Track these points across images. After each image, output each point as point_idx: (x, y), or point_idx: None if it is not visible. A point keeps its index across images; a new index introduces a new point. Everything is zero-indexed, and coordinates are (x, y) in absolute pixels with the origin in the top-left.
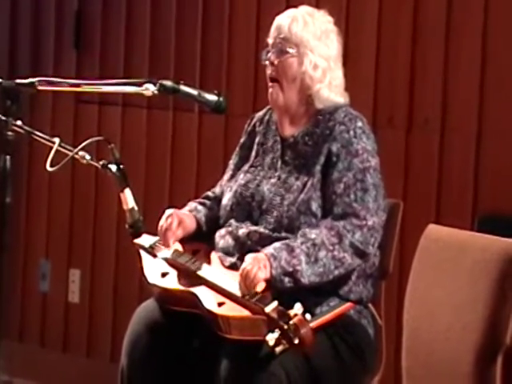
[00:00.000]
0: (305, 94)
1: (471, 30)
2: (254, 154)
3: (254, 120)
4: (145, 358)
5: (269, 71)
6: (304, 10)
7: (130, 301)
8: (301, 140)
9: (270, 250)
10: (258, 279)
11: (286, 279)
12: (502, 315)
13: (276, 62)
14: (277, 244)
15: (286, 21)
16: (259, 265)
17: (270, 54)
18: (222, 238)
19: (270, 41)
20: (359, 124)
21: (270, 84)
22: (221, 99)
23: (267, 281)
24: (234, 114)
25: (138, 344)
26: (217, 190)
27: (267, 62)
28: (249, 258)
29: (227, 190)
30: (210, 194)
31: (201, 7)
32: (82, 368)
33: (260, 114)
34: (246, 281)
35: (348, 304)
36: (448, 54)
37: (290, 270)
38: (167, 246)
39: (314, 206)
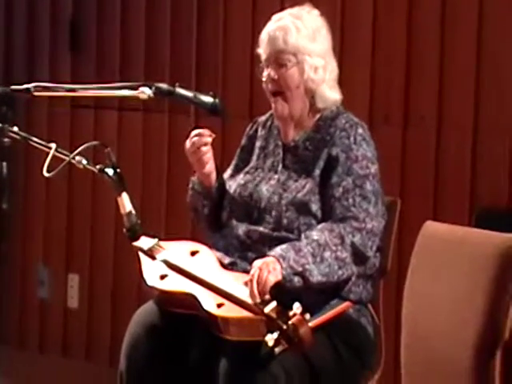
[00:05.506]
0: (308, 96)
1: (466, 27)
2: (254, 157)
3: (256, 125)
4: (144, 361)
5: (270, 86)
6: (289, 15)
7: (128, 305)
8: (302, 145)
9: (277, 251)
10: (269, 282)
11: (296, 279)
12: (500, 310)
13: (276, 77)
14: (283, 245)
15: (278, 33)
16: (268, 268)
17: (269, 70)
18: (222, 236)
19: (263, 55)
20: (360, 131)
21: (272, 99)
22: (216, 101)
23: (277, 283)
24: (230, 117)
25: (137, 347)
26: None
27: (265, 79)
28: (257, 262)
29: (226, 187)
30: None
31: (195, 10)
32: (82, 373)
33: (263, 118)
34: (258, 286)
35: (347, 303)
36: (443, 51)
37: (300, 269)
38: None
39: (314, 208)
